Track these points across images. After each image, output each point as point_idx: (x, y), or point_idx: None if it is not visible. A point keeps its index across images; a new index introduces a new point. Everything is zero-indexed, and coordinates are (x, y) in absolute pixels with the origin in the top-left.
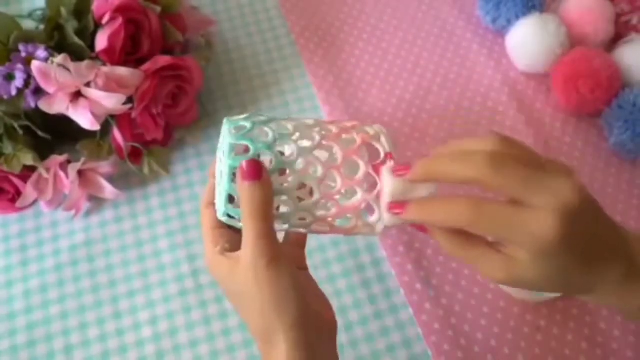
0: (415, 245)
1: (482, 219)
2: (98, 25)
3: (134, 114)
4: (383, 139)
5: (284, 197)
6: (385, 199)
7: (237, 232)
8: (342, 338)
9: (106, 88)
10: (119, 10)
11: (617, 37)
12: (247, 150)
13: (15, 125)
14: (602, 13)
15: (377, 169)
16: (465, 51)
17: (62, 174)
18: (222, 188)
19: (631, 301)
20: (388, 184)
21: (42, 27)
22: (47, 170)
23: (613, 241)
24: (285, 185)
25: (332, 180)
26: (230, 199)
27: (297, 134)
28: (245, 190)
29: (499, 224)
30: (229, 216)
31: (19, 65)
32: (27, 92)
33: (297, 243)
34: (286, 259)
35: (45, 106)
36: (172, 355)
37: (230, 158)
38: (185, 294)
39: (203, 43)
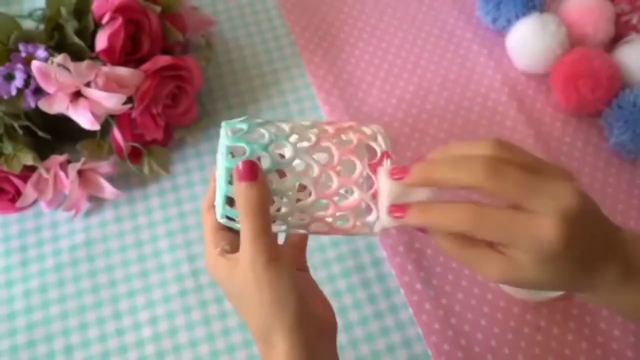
0: (416, 245)
1: (484, 224)
2: (98, 25)
3: (134, 114)
4: (380, 138)
5: (282, 198)
6: (384, 202)
7: (238, 234)
8: (342, 338)
9: (106, 88)
10: (119, 10)
11: (617, 37)
12: (245, 152)
13: (15, 125)
14: (602, 13)
15: (373, 169)
16: (465, 51)
17: (62, 174)
18: (220, 190)
19: (628, 301)
20: (385, 187)
21: (42, 27)
22: (47, 170)
23: (611, 242)
24: (282, 185)
25: (328, 180)
26: (229, 201)
27: (294, 135)
28: (241, 190)
29: (500, 228)
30: (228, 218)
31: (19, 65)
32: (27, 92)
33: (297, 245)
34: (285, 260)
35: (45, 106)
36: (172, 355)
37: (227, 160)
38: (185, 294)
39: (203, 43)
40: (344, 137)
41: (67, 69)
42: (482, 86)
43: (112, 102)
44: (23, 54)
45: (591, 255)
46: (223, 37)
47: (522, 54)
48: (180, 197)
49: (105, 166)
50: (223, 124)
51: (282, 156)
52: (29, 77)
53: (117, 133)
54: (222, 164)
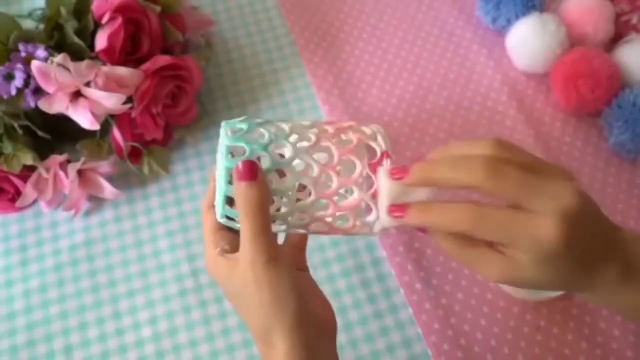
0: (416, 245)
1: (484, 224)
2: (98, 25)
3: (134, 114)
4: (380, 138)
5: (282, 198)
6: (384, 202)
7: (238, 234)
8: (342, 338)
9: (106, 88)
10: (119, 10)
11: (617, 37)
12: (245, 152)
13: (15, 125)
14: (602, 13)
15: (373, 168)
16: (465, 51)
17: (62, 174)
18: (220, 190)
19: (628, 301)
20: (385, 187)
21: (42, 27)
22: (47, 170)
23: (611, 242)
24: (282, 185)
25: (328, 180)
26: (229, 201)
27: (294, 135)
28: (241, 190)
29: (500, 228)
30: (228, 218)
31: (19, 65)
32: (27, 92)
33: (297, 245)
34: (285, 260)
35: (45, 106)
36: (172, 355)
37: (227, 160)
38: (185, 294)
39: (203, 43)
40: (344, 137)
41: (67, 69)
42: (482, 86)
43: (112, 102)
44: (23, 54)
45: (591, 255)
46: (223, 37)
47: (522, 54)
48: (180, 197)
49: (105, 166)
50: (223, 124)
51: (282, 156)
52: (29, 77)
53: (117, 133)
54: (222, 164)
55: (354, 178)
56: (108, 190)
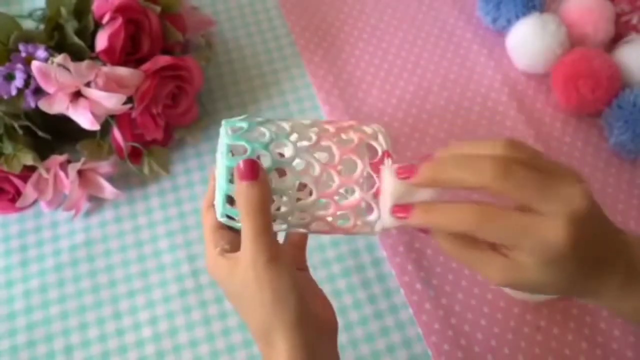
0: (416, 245)
1: (488, 225)
2: (98, 25)
3: (134, 114)
4: (380, 137)
5: (282, 197)
6: (387, 202)
7: (238, 233)
8: (342, 338)
9: (106, 88)
10: (119, 10)
11: (617, 37)
12: (245, 151)
13: (15, 125)
14: (602, 13)
15: (375, 168)
16: (465, 51)
17: (62, 174)
18: (220, 189)
19: (627, 302)
20: (390, 185)
21: (42, 27)
22: (47, 170)
23: (616, 245)
24: (283, 184)
25: (329, 179)
26: (229, 200)
27: (295, 134)
28: (242, 189)
29: (505, 229)
30: (228, 217)
31: (19, 65)
32: (27, 92)
33: (297, 244)
34: (286, 259)
35: (45, 106)
36: (172, 355)
37: (227, 158)
38: (185, 294)
39: (203, 43)
40: (344, 136)
41: (67, 69)
42: (482, 86)
43: (112, 102)
44: (23, 54)
45: (595, 259)
46: (223, 37)
47: (522, 54)
48: (180, 197)
49: (105, 166)
50: (223, 122)
51: (282, 155)
52: (29, 77)
53: (117, 133)
54: (222, 162)
55: (354, 177)
56: (108, 190)
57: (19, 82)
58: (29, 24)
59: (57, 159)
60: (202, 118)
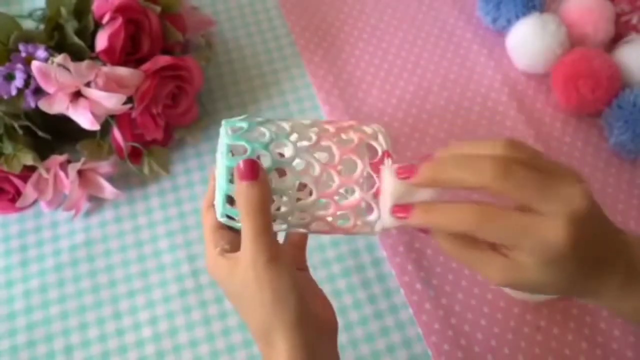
0: (416, 245)
1: (488, 225)
2: (98, 25)
3: (134, 114)
4: (380, 137)
5: (282, 197)
6: (387, 202)
7: (238, 233)
8: (342, 338)
9: (106, 88)
10: (119, 10)
11: (617, 37)
12: (245, 151)
13: (15, 125)
14: (602, 13)
15: (375, 168)
16: (465, 51)
17: (62, 174)
18: (220, 189)
19: (627, 302)
20: (389, 186)
21: (42, 27)
22: (47, 170)
23: (616, 245)
24: (283, 184)
25: (329, 179)
26: (229, 200)
27: (295, 134)
28: (242, 190)
29: (505, 229)
30: (228, 217)
31: (19, 65)
32: (27, 92)
33: (297, 244)
34: (286, 259)
35: (45, 106)
36: (172, 355)
37: (228, 158)
38: (185, 294)
39: (203, 43)
40: (344, 136)
41: (67, 69)
42: (482, 86)
43: (112, 102)
44: (23, 54)
45: (595, 259)
46: (223, 37)
47: (522, 54)
48: (180, 197)
49: (105, 166)
50: (223, 122)
51: (282, 155)
52: (29, 77)
53: (117, 133)
54: (222, 162)
55: (354, 177)
56: (108, 190)
57: (19, 82)
58: (29, 24)
59: (57, 159)
60: (202, 118)
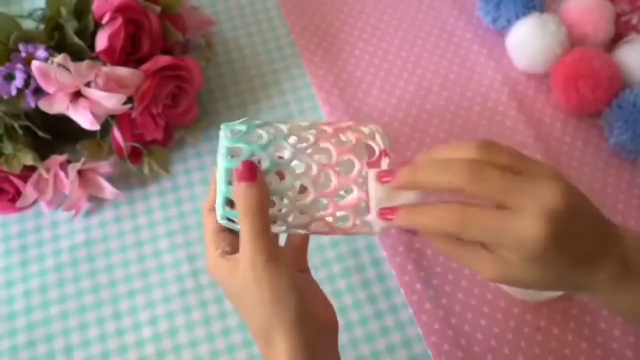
0: (416, 245)
1: (470, 225)
2: (98, 25)
3: (134, 114)
4: (378, 137)
5: (281, 199)
6: (373, 204)
7: (238, 235)
8: (342, 338)
9: (106, 88)
10: (119, 10)
11: (617, 37)
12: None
13: (15, 125)
14: (602, 13)
15: (372, 167)
16: (465, 51)
17: (62, 174)
18: (220, 191)
19: (623, 299)
20: (372, 190)
21: (42, 27)
22: (47, 170)
23: (604, 239)
24: (282, 186)
25: (327, 180)
26: (229, 202)
27: (293, 136)
28: (240, 191)
29: (485, 229)
30: (228, 219)
31: (19, 65)
32: (27, 92)
33: (299, 246)
34: (285, 259)
35: (45, 106)
36: (172, 355)
37: (227, 161)
38: (185, 294)
39: (203, 43)
40: (342, 137)
41: (67, 69)
42: (482, 86)
43: (112, 102)
44: (23, 54)
45: (583, 254)
46: (223, 37)
47: (522, 54)
48: (180, 197)
49: (105, 166)
50: (222, 126)
51: (281, 157)
52: (29, 77)
53: (117, 133)
54: (221, 165)
55: (352, 177)
56: (108, 190)
57: (19, 82)
58: (29, 24)
59: (57, 159)
60: (202, 118)
